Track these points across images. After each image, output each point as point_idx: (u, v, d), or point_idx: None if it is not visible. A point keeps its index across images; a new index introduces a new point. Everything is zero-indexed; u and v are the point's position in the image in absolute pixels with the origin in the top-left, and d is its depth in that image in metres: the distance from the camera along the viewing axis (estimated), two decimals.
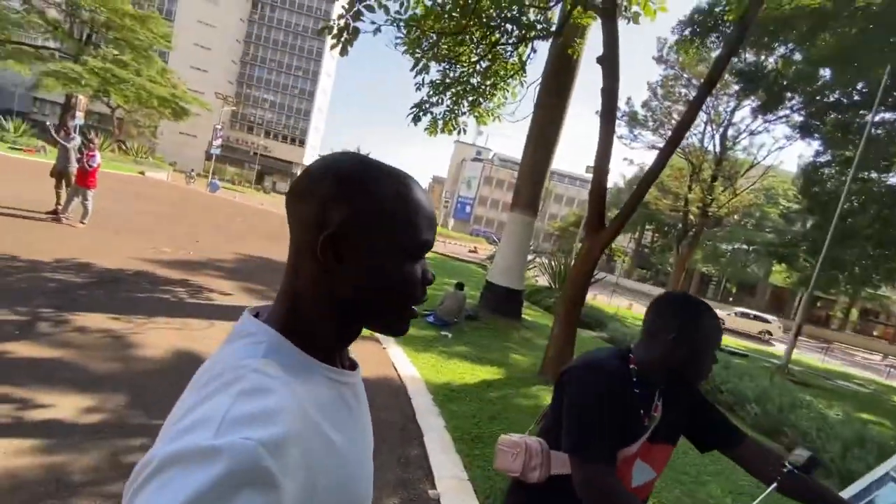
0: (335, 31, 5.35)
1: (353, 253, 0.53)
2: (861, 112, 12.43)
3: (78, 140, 7.88)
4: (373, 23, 5.51)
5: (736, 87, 16.63)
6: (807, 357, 18.55)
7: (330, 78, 67.79)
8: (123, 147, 30.99)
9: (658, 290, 36.52)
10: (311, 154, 64.47)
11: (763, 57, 12.96)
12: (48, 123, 8.04)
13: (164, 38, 29.37)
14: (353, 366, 0.64)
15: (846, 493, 1.32)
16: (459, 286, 6.91)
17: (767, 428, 5.54)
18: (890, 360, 25.90)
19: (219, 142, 30.87)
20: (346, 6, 5.20)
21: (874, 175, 13.44)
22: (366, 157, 0.57)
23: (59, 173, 7.60)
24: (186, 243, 8.50)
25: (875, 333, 36.77)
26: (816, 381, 11.80)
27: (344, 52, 5.49)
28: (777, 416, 5.59)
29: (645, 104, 20.54)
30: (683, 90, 19.17)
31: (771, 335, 22.25)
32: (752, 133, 18.85)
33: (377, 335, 5.59)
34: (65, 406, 2.69)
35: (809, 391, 9.19)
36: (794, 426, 5.29)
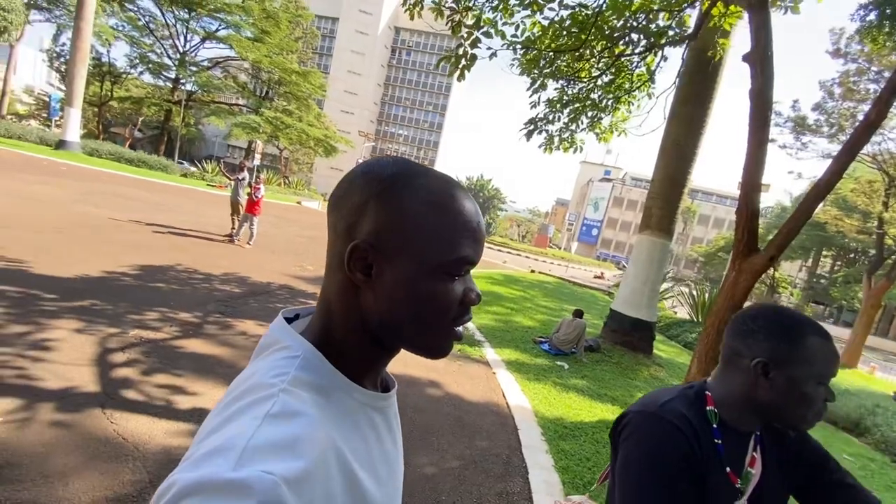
0: (453, 60, 5.60)
1: (382, 266, 0.49)
2: None
3: (247, 175, 9.49)
4: (489, 48, 5.63)
5: None
6: None
7: (457, 109, 71.82)
8: (287, 181, 36.75)
9: (840, 331, 29.68)
10: None
11: None
12: (219, 165, 9.80)
13: (321, 88, 34.48)
14: (387, 387, 0.61)
15: None
16: (578, 313, 6.46)
17: None
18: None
19: None
20: (465, 35, 5.42)
21: None
22: (405, 161, 0.52)
23: (232, 203, 9.25)
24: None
25: None
26: None
27: (461, 78, 5.70)
28: None
29: (817, 106, 17.23)
30: (872, 86, 15.62)
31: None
32: None
33: (487, 357, 5.48)
34: (213, 398, 3.14)
35: None
36: None
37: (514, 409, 4.18)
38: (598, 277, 25.96)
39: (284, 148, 34.93)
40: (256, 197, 8.96)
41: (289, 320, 0.56)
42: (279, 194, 27.38)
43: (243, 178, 9.36)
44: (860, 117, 15.98)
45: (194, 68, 30.91)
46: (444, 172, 0.53)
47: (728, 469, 0.84)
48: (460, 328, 0.53)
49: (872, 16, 6.58)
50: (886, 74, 14.44)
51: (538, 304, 10.59)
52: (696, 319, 12.18)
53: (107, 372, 3.16)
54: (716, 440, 0.84)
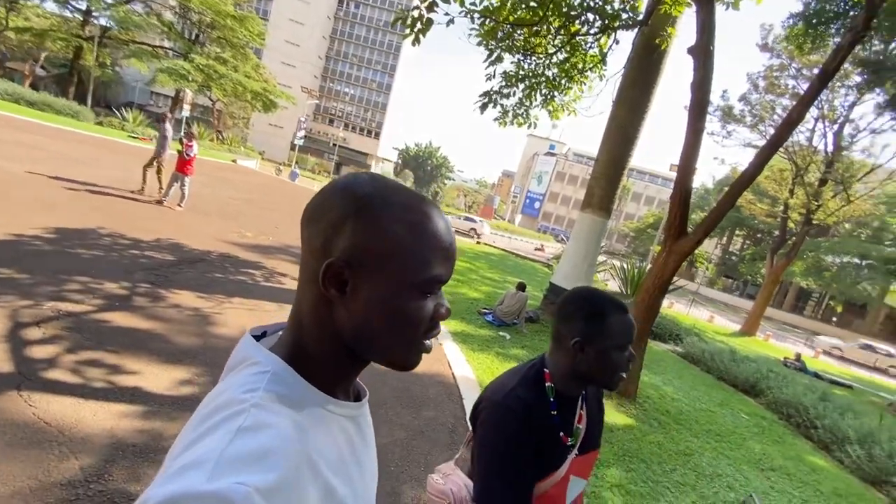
0: (409, 22, 5.37)
1: (356, 283, 0.50)
2: None
3: (169, 129, 8.63)
4: (446, 14, 5.45)
5: (857, 79, 14.47)
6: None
7: (406, 71, 69.35)
8: (220, 137, 34.04)
9: (745, 302, 33.26)
10: (384, 146, 66.59)
11: (893, 44, 11.11)
12: (163, 122, 8.90)
13: (259, 36, 31.66)
14: (359, 395, 0.62)
15: None
16: (521, 286, 6.72)
17: (873, 475, 4.80)
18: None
19: (302, 133, 32.86)
20: None
21: None
22: (382, 179, 0.53)
23: (155, 159, 8.50)
24: (267, 228, 9.11)
25: None
26: None
27: (416, 42, 5.50)
28: (885, 463, 4.82)
29: (743, 97, 18.54)
30: (791, 82, 17.04)
31: None
32: (873, 132, 16.29)
33: None
34: (153, 375, 2.97)
35: None
36: None
37: (459, 380, 4.34)
38: (539, 250, 26.98)
39: (218, 100, 32.08)
40: (188, 155, 8.24)
41: (257, 338, 0.56)
42: (212, 151, 25.41)
43: (166, 132, 8.54)
44: (778, 110, 17.46)
45: (110, 0, 27.14)
46: (418, 192, 0.54)
47: (561, 434, 1.02)
48: (429, 342, 0.55)
49: (800, 24, 7.11)
50: (805, 72, 15.78)
51: (483, 276, 10.87)
52: (626, 292, 13.11)
53: (20, 350, 2.86)
54: (552, 412, 1.02)
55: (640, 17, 6.14)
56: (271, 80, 34.90)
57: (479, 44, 6.30)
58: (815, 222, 17.11)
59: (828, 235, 27.62)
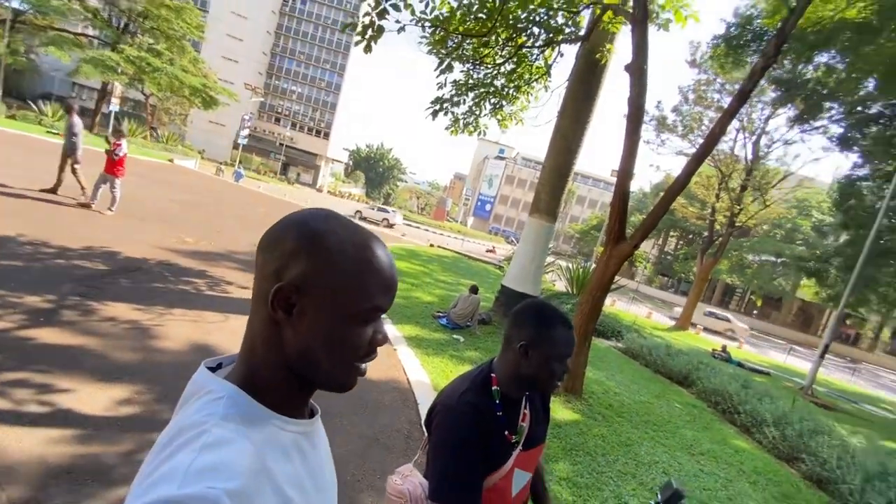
0: (360, 29, 5.36)
1: (303, 308, 0.54)
2: None
3: (77, 122, 7.72)
4: (397, 21, 5.49)
5: (772, 95, 16.03)
6: (833, 378, 17.88)
7: (357, 71, 68.28)
8: (155, 135, 31.88)
9: (679, 298, 35.68)
10: (334, 146, 65.11)
11: (802, 65, 12.44)
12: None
13: (198, 28, 30.00)
14: (312, 412, 0.66)
15: None
16: (474, 289, 6.87)
17: (786, 453, 5.36)
18: None
19: (246, 132, 31.50)
20: (372, 4, 5.20)
21: None
22: (334, 215, 0.59)
23: (64, 156, 7.69)
24: (209, 233, 8.68)
25: None
26: (841, 404, 11.36)
27: (368, 50, 5.50)
28: (796, 442, 5.40)
29: (675, 109, 19.96)
30: (716, 95, 18.56)
31: (734, 333, 23.84)
32: (786, 143, 18.10)
33: (388, 333, 5.61)
34: (89, 395, 2.78)
35: (833, 415, 8.86)
36: (814, 453, 5.10)
37: (414, 385, 4.39)
38: (490, 251, 27.53)
39: (151, 94, 30.05)
40: (117, 155, 7.66)
41: (213, 369, 0.61)
42: (145, 149, 23.75)
43: (74, 128, 7.66)
44: (706, 121, 18.88)
45: None
46: (367, 229, 0.60)
47: (506, 432, 1.13)
48: (364, 365, 0.60)
49: (722, 45, 7.82)
50: (728, 87, 17.24)
51: (437, 279, 10.96)
52: (571, 291, 13.71)
53: None
54: (498, 413, 1.12)
55: (582, 32, 6.49)
56: (211, 76, 33.17)
57: (429, 52, 6.40)
58: (738, 224, 18.71)
59: (749, 236, 30.26)
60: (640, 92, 4.87)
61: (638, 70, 4.80)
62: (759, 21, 9.16)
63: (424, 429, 1.20)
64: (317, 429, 0.66)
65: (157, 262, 5.90)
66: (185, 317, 4.45)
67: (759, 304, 40.34)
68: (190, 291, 5.25)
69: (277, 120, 62.54)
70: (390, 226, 27.46)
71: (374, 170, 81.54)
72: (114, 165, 7.65)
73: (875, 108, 12.27)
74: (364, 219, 27.53)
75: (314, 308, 0.54)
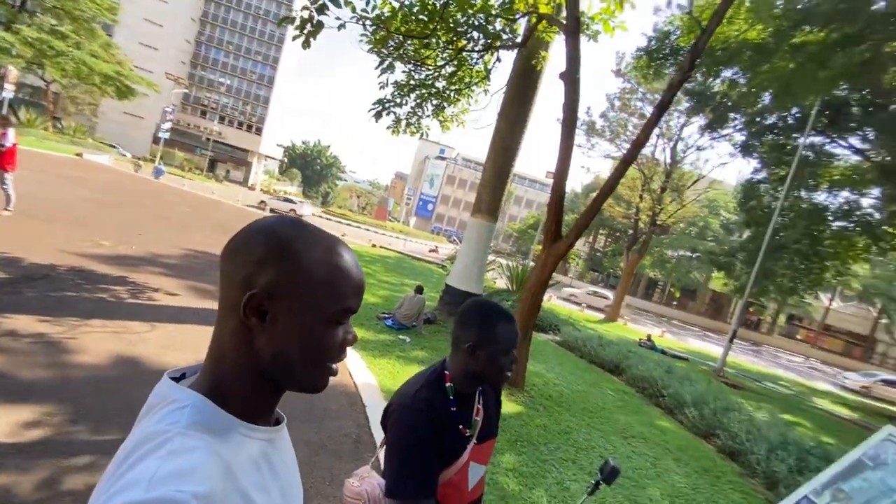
0: (298, 23, 5.19)
1: (276, 314, 0.55)
2: (794, 135, 13.49)
3: None
4: (337, 18, 5.38)
5: (686, 105, 17.56)
6: (740, 360, 19.96)
7: (293, 67, 65.53)
8: (58, 126, 28.59)
9: (609, 292, 38.06)
10: (268, 142, 62.10)
11: (710, 80, 13.78)
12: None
13: (110, 10, 27.25)
14: (278, 420, 0.66)
15: None
16: (419, 290, 6.90)
17: (703, 430, 5.92)
18: (811, 361, 28.36)
19: (168, 125, 29.17)
20: None
21: (804, 194, 14.63)
22: (301, 222, 0.60)
23: None
24: (128, 235, 7.96)
25: (798, 337, 40.12)
26: (747, 383, 12.72)
27: (306, 45, 5.34)
28: (712, 419, 5.97)
29: (603, 115, 21.28)
30: (639, 104, 20.03)
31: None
32: (698, 149, 19.98)
33: None
34: None
35: (741, 393, 9.91)
36: (726, 429, 5.68)
37: (361, 388, 4.34)
38: (433, 251, 27.68)
39: (53, 81, 26.90)
40: (3, 146, 6.81)
41: (176, 380, 0.59)
42: (47, 142, 21.27)
43: None
44: (630, 127, 20.25)
45: None
46: (332, 234, 0.62)
47: (460, 426, 1.17)
48: (336, 367, 0.62)
49: (644, 57, 8.46)
50: (649, 97, 18.64)
51: (381, 280, 10.85)
52: (512, 288, 14.17)
53: None
54: (452, 408, 1.16)
55: (519, 39, 6.74)
56: (127, 63, 30.30)
57: (370, 51, 6.33)
58: (658, 223, 20.31)
59: (668, 234, 32.97)
60: (573, 98, 5.15)
61: (571, 78, 5.07)
62: (675, 37, 10.08)
63: (381, 429, 1.21)
64: (283, 436, 0.66)
65: (67, 268, 5.32)
66: (104, 328, 4.07)
67: (677, 295, 44.05)
68: (108, 300, 4.80)
69: (204, 113, 58.50)
70: (299, 217, 26.49)
71: (310, 167, 78.81)
72: (2, 160, 6.78)
73: (770, 120, 13.87)
74: (270, 210, 25.59)
75: (287, 313, 0.55)
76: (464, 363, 1.18)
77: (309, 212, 27.68)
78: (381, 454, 1.26)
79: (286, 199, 27.93)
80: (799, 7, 7.14)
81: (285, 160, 77.23)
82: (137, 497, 0.41)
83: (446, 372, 1.21)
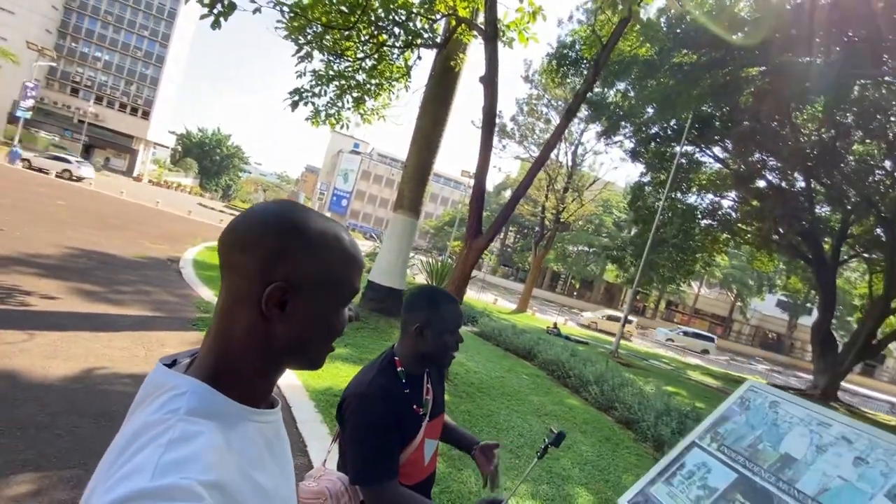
0: (207, 1, 4.81)
1: (296, 303, 0.56)
2: (672, 144, 15.53)
3: None
4: (253, 1, 5.09)
5: (585, 113, 19.24)
6: (631, 343, 22.44)
7: (187, 44, 59.25)
8: None
9: (518, 285, 40.34)
10: (157, 129, 55.61)
11: (606, 90, 15.29)
12: None
13: None
14: (272, 404, 0.67)
15: (662, 463, 1.72)
16: None
17: (604, 404, 6.63)
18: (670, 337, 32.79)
19: (30, 102, 24.83)
20: None
21: (679, 195, 16.89)
22: (303, 208, 0.60)
23: None
24: None
25: (675, 320, 46.15)
26: (636, 361, 14.39)
27: (216, 26, 4.97)
28: (610, 395, 6.71)
29: (513, 118, 22.47)
30: (544, 109, 21.49)
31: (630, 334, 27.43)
32: (595, 153, 22.08)
33: None
34: None
35: (632, 371, 11.20)
36: (622, 402, 6.42)
37: (284, 388, 4.19)
38: None
39: None
40: None
41: (168, 366, 0.59)
42: None
43: None
44: (537, 131, 21.55)
45: None
46: (332, 218, 0.64)
47: (414, 406, 1.25)
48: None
49: (553, 62, 9.14)
50: (554, 103, 20.05)
51: None
52: (432, 284, 14.47)
53: None
54: (406, 391, 1.24)
55: (439, 39, 6.91)
56: None
57: (286, 37, 6.06)
58: (561, 220, 22.02)
59: (569, 230, 35.81)
60: (492, 102, 5.45)
61: (490, 82, 5.36)
62: (578, 48, 11.07)
63: (337, 421, 1.24)
64: (279, 419, 0.67)
65: None
66: None
67: (577, 286, 48.13)
68: None
69: (76, 91, 50.58)
70: (77, 179, 21.66)
71: (209, 157, 72.02)
72: None
73: (654, 129, 15.79)
74: (35, 168, 21.69)
75: (306, 301, 0.57)
76: (413, 345, 1.25)
77: (91, 174, 23.04)
78: (335, 448, 1.29)
79: (58, 158, 22.81)
80: (678, 31, 8.27)
81: (179, 149, 69.77)
82: (142, 485, 0.40)
83: (396, 358, 1.27)
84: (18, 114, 24.43)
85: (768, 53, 8.67)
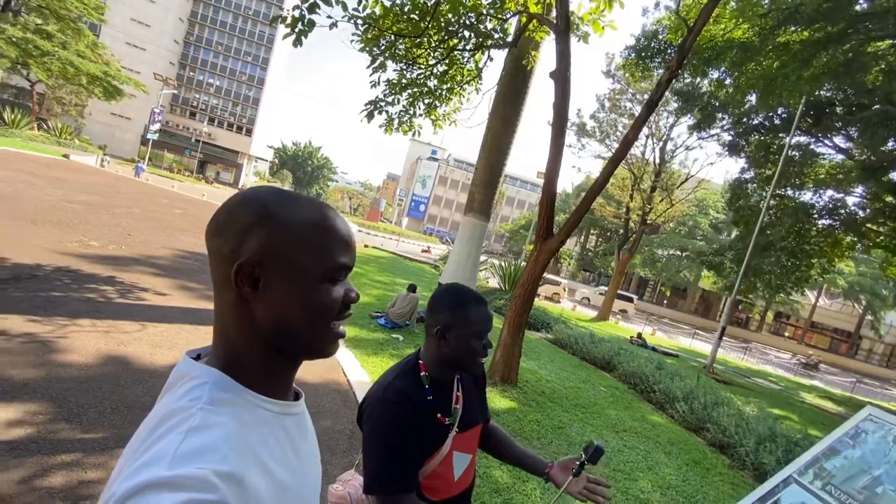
0: (289, 21, 5.18)
1: (269, 279, 0.54)
2: (780, 135, 13.73)
3: None
4: (329, 17, 5.38)
5: (675, 105, 17.77)
6: (729, 357, 20.22)
7: (283, 65, 65.18)
8: (45, 126, 28.17)
9: (601, 291, 38.38)
10: (258, 144, 61.69)
11: (698, 79, 13.97)
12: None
13: (97, 9, 26.95)
14: (296, 396, 0.66)
15: (756, 495, 1.46)
16: (412, 288, 6.91)
17: (694, 424, 5.99)
18: (798, 357, 28.79)
19: (156, 126, 28.89)
20: None
21: (790, 192, 14.88)
22: (281, 189, 0.59)
23: None
24: (117, 236, 7.88)
25: (786, 334, 40.73)
26: (737, 379, 12.89)
27: (298, 44, 5.33)
28: (701, 414, 6.05)
29: (593, 115, 21.43)
30: (628, 104, 20.22)
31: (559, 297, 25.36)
32: (687, 148, 20.23)
33: None
34: None
35: (730, 388, 10.04)
36: (716, 423, 5.75)
37: (354, 385, 4.34)
38: (426, 252, 27.68)
39: (38, 81, 26.50)
40: None
41: (194, 359, 0.60)
42: (33, 143, 20.94)
43: None
44: (620, 128, 20.44)
45: None
46: (312, 196, 0.61)
47: (439, 415, 1.14)
48: (342, 328, 0.62)
49: (633, 55, 8.56)
50: (638, 97, 18.82)
51: (373, 280, 10.84)
52: (504, 288, 14.23)
53: None
54: (428, 398, 1.13)
55: (510, 38, 6.78)
56: (114, 63, 29.97)
57: (361, 50, 6.33)
58: (648, 222, 20.51)
59: (658, 233, 33.29)
60: (563, 98, 5.20)
61: (561, 77, 5.12)
62: (662, 36, 10.22)
63: (357, 425, 1.17)
64: (302, 411, 0.66)
65: (54, 268, 5.26)
66: (94, 328, 4.03)
67: (668, 294, 44.48)
68: (97, 300, 4.75)
69: (193, 114, 57.93)
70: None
71: (301, 169, 78.31)
72: None
73: (756, 120, 14.10)
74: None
75: (279, 277, 0.54)
76: (436, 349, 1.15)
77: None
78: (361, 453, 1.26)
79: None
80: (784, 7, 7.28)
81: (276, 161, 76.75)
82: (160, 474, 0.42)
83: (420, 361, 1.18)
84: (148, 136, 28.53)
85: None
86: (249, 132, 59.82)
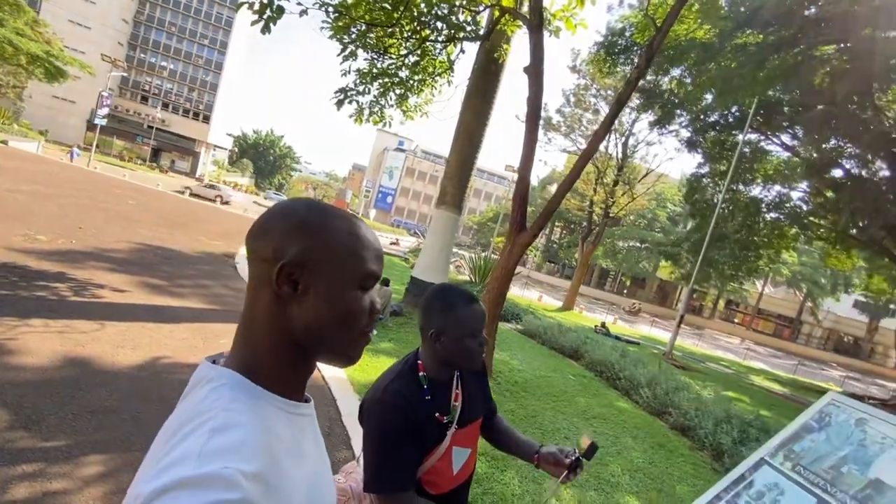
0: (257, 7, 4.97)
1: (308, 282, 0.57)
2: (734, 132, 14.45)
3: None
4: (299, 3, 5.21)
5: (637, 102, 18.34)
6: (686, 343, 21.29)
7: (243, 50, 62.41)
8: None
9: (566, 283, 39.41)
10: (216, 132, 59.03)
11: (659, 77, 14.47)
12: None
13: None
14: (306, 399, 0.68)
15: (727, 479, 1.56)
16: (385, 282, 6.86)
17: (657, 409, 6.29)
18: (746, 343, 30.69)
19: (105, 111, 27.10)
20: None
21: (742, 187, 15.72)
22: (320, 202, 0.63)
23: None
24: (67, 229, 7.39)
25: (736, 321, 43.30)
26: (693, 364, 13.61)
27: (266, 31, 5.13)
28: (664, 399, 6.36)
29: (559, 110, 21.83)
30: (592, 100, 20.70)
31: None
32: (648, 144, 20.99)
33: None
34: None
35: (688, 374, 10.59)
36: (677, 407, 6.06)
37: (329, 381, 4.29)
38: (394, 244, 27.49)
39: None
40: None
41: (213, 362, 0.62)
42: None
43: None
44: (584, 122, 20.86)
45: None
46: (345, 210, 0.65)
47: (437, 414, 1.16)
48: (371, 332, 0.65)
49: (602, 52, 8.75)
50: (602, 93, 19.28)
51: None
52: (474, 280, 14.36)
53: None
54: (427, 397, 1.15)
55: (482, 31, 6.78)
56: (56, 42, 27.79)
57: (331, 37, 6.17)
58: (611, 215, 21.18)
59: (619, 225, 34.43)
60: (537, 93, 5.26)
61: (535, 72, 5.18)
62: (629, 34, 10.51)
63: (360, 424, 1.18)
64: (313, 413, 0.68)
65: (0, 265, 4.88)
66: (47, 328, 3.78)
67: (628, 284, 46.24)
68: (49, 298, 4.45)
69: (145, 99, 54.65)
70: (225, 202, 27.17)
71: (263, 158, 75.67)
72: None
73: (713, 117, 14.77)
74: (195, 195, 26.74)
75: (317, 280, 0.58)
76: (432, 351, 1.16)
77: (241, 198, 28.70)
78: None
79: (210, 186, 28.99)
80: (742, 9, 7.63)
81: (235, 150, 73.79)
82: (187, 473, 0.42)
83: (419, 362, 1.19)
84: (96, 121, 26.73)
85: (847, 28, 7.83)
86: (207, 119, 57.10)
